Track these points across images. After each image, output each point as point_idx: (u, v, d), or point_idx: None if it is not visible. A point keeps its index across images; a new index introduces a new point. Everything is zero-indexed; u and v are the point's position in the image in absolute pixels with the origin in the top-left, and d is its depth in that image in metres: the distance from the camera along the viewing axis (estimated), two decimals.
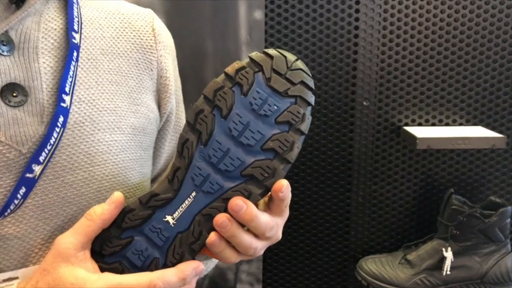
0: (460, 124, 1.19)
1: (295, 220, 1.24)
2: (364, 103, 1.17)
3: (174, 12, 1.10)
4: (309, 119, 0.50)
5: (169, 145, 0.68)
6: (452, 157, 1.21)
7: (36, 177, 0.50)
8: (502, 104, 1.18)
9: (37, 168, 0.50)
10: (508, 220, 1.12)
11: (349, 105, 1.18)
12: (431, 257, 1.14)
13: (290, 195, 0.51)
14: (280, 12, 1.13)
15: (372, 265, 1.16)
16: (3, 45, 0.50)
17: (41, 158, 0.50)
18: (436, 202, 1.22)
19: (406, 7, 1.13)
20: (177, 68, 0.68)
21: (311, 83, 0.50)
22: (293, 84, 0.50)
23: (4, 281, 0.49)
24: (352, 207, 1.23)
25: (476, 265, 1.13)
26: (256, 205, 0.50)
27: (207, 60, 1.13)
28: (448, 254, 1.10)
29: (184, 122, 0.70)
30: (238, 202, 0.48)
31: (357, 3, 1.13)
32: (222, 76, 0.50)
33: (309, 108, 0.50)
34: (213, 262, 0.71)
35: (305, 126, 0.50)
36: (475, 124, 1.18)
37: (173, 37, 0.68)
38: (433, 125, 1.19)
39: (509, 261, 1.13)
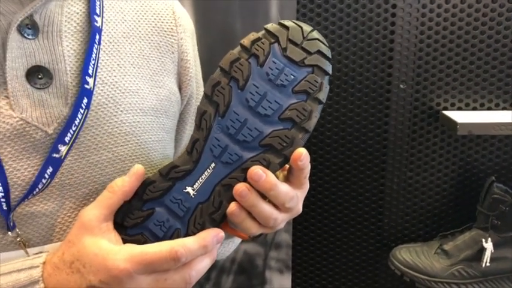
0: (504, 108, 1.17)
1: (326, 207, 1.25)
2: (401, 86, 1.17)
3: None
4: (326, 88, 0.51)
5: (191, 129, 0.70)
6: (494, 143, 1.19)
7: (62, 157, 0.53)
8: None
9: (63, 149, 0.53)
10: None
11: (384, 88, 1.17)
12: (470, 248, 1.13)
13: (309, 165, 0.52)
14: None
15: (406, 254, 1.17)
16: (28, 28, 0.51)
17: (67, 139, 0.52)
18: (476, 190, 1.21)
19: None
20: (197, 52, 0.70)
21: (328, 53, 0.51)
22: (309, 53, 0.51)
23: (34, 254, 0.52)
24: (386, 194, 1.23)
25: None
26: (276, 177, 0.52)
27: (236, 40, 1.10)
28: (488, 245, 1.10)
29: None
30: (257, 171, 0.49)
31: None
32: (238, 48, 0.51)
33: (327, 77, 0.51)
34: (234, 243, 0.72)
35: (323, 95, 0.51)
36: None
37: (201, 17, 0.69)
38: (474, 109, 1.18)
39: None
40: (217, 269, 1.23)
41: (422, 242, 1.23)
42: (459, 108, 1.18)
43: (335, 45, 1.13)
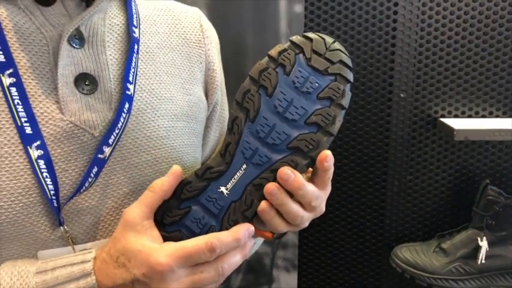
0: (497, 116, 1.20)
1: (331, 208, 1.26)
2: (402, 95, 1.19)
3: (215, 5, 1.12)
4: (348, 94, 0.52)
5: (214, 134, 0.71)
6: (488, 148, 1.22)
7: (106, 158, 0.55)
8: None
9: (107, 150, 0.54)
10: None
11: (386, 97, 1.20)
12: (466, 246, 1.15)
13: (333, 166, 0.53)
14: (320, 6, 1.15)
15: (407, 253, 1.18)
16: (76, 39, 0.54)
17: (110, 141, 0.54)
18: (471, 193, 1.23)
19: (445, 0, 1.14)
20: (221, 62, 0.71)
21: (349, 62, 0.52)
22: (332, 63, 0.52)
23: (80, 251, 0.54)
24: (387, 197, 1.25)
25: (511, 255, 1.13)
26: None
27: (248, 52, 1.15)
28: (483, 243, 1.12)
29: (227, 112, 0.73)
30: (286, 171, 0.51)
31: None
32: (266, 58, 0.53)
33: (348, 84, 0.52)
34: (257, 244, 0.73)
35: (345, 101, 0.52)
36: (511, 116, 1.19)
37: (216, 30, 0.70)
38: (470, 116, 1.20)
39: None
40: None
41: (421, 241, 1.24)
42: (455, 116, 1.20)
43: None
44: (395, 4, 1.14)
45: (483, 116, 1.20)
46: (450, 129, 1.10)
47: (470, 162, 1.23)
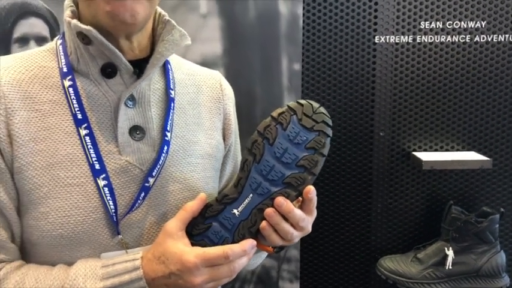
0: (458, 150, 1.35)
1: (326, 228, 1.41)
2: (381, 133, 1.33)
3: (231, 64, 1.27)
4: (328, 145, 0.62)
5: (229, 169, 0.80)
6: (452, 176, 1.37)
7: (151, 186, 0.64)
8: (490, 133, 1.35)
9: (151, 180, 0.64)
10: (497, 225, 1.28)
11: (368, 135, 1.36)
12: (437, 255, 1.27)
13: (316, 198, 0.63)
14: (314, 64, 1.35)
15: (389, 263, 1.32)
16: (130, 100, 0.65)
17: (154, 173, 0.64)
18: (440, 212, 1.36)
19: (413, 59, 1.33)
20: (235, 113, 0.80)
21: (329, 122, 0.62)
22: (317, 122, 0.62)
23: (131, 253, 0.63)
24: (372, 217, 1.39)
25: (473, 261, 1.27)
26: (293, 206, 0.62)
27: (257, 101, 1.30)
28: (450, 253, 1.25)
29: (239, 153, 0.83)
30: (281, 199, 0.60)
31: (374, 56, 1.34)
32: (269, 118, 0.64)
33: (328, 138, 0.62)
34: (261, 257, 0.83)
35: (326, 151, 0.62)
36: (469, 150, 1.35)
37: (230, 84, 0.81)
38: (436, 150, 1.35)
39: (499, 258, 1.28)
40: (240, 280, 1.34)
41: (401, 253, 1.36)
42: (425, 150, 1.35)
43: (331, 103, 1.35)
44: (374, 62, 1.34)
45: (447, 150, 1.35)
46: (419, 161, 1.26)
47: (438, 187, 1.37)
